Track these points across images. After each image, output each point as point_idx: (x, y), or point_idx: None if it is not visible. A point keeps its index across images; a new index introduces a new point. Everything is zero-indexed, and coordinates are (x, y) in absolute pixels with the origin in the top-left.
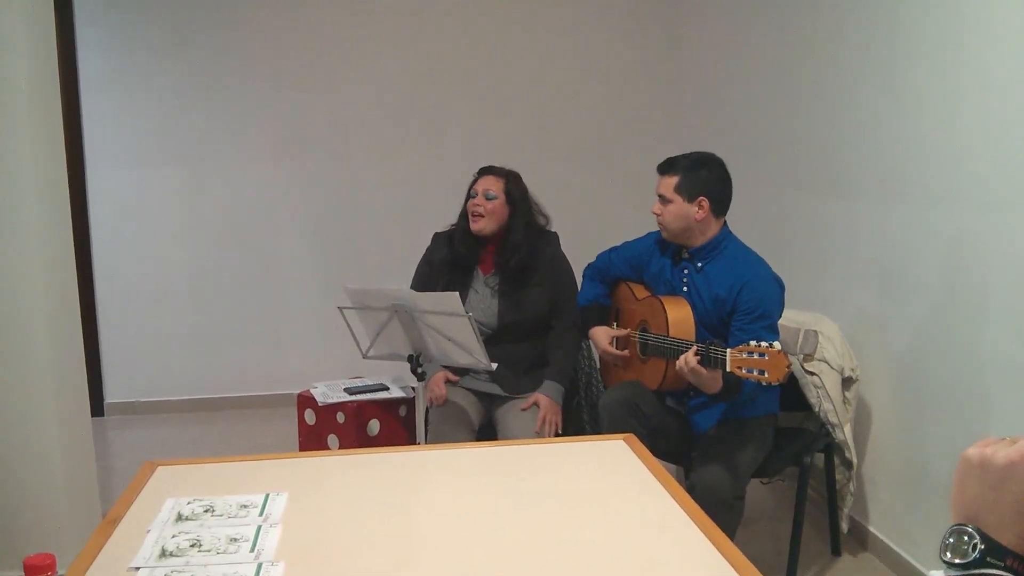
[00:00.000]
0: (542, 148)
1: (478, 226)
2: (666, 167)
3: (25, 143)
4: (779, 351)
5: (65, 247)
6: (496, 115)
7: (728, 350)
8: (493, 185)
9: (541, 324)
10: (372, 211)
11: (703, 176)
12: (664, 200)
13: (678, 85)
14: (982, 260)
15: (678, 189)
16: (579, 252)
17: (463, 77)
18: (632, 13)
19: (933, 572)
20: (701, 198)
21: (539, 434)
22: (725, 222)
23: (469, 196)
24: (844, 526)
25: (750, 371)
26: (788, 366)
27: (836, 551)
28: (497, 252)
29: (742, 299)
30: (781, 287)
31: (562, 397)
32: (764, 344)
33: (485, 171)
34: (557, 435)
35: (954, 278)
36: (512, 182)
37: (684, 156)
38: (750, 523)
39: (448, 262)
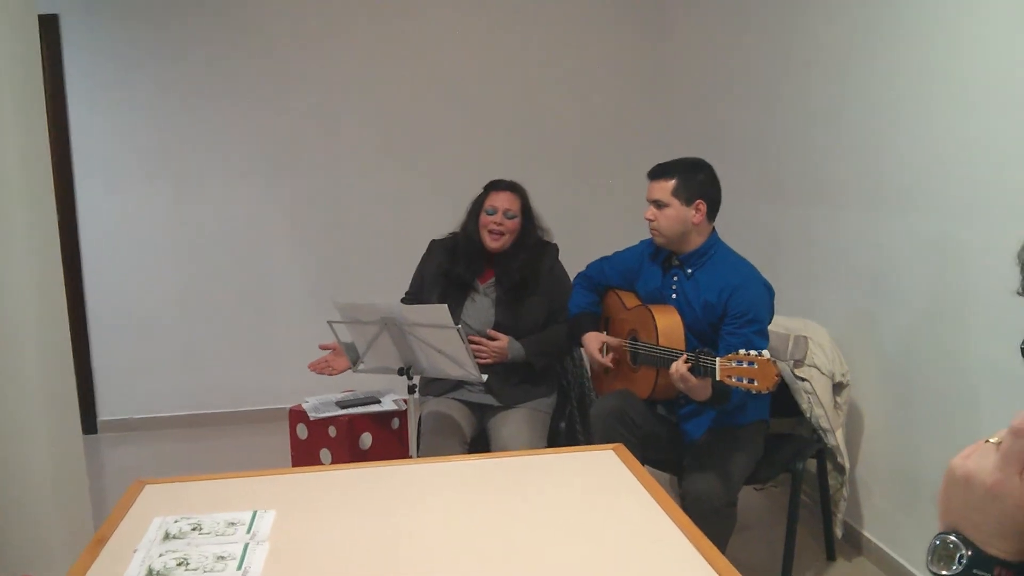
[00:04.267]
0: (531, 158)
1: (498, 244)
2: (660, 172)
3: (11, 157)
4: (768, 359)
5: (52, 262)
6: (485, 127)
7: (717, 359)
8: (512, 204)
9: (535, 333)
10: (362, 226)
11: (699, 180)
12: (660, 204)
13: (665, 95)
14: (968, 265)
15: (675, 193)
16: (567, 262)
17: (453, 90)
18: (619, 23)
19: None
20: (699, 201)
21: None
22: (714, 228)
23: (484, 211)
24: (838, 531)
25: (739, 379)
26: (777, 375)
27: (831, 556)
28: (501, 265)
29: (732, 303)
30: (771, 292)
31: (517, 357)
32: (753, 352)
33: (500, 186)
34: (483, 366)
35: (941, 283)
36: (525, 198)
37: (677, 161)
38: (744, 530)
39: (443, 274)
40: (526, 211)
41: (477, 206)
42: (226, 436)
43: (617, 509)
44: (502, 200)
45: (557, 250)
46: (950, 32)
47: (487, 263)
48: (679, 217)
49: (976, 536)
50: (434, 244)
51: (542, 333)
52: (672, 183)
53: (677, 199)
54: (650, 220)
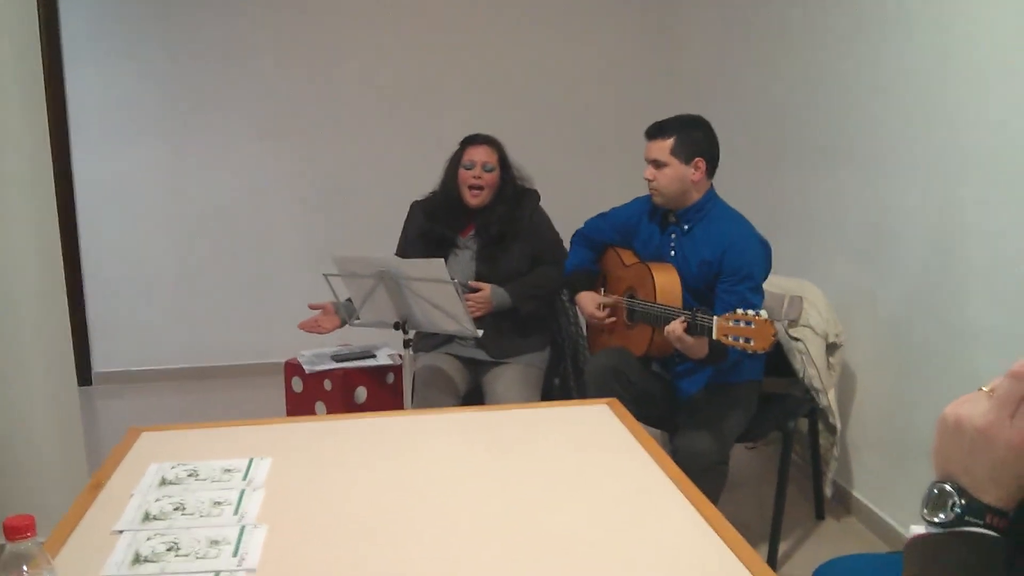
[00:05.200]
0: (531, 117)
1: (479, 199)
2: (657, 131)
3: (9, 119)
4: (765, 319)
5: (48, 217)
6: (484, 89)
7: (715, 318)
8: (490, 157)
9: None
10: (359, 184)
11: (698, 137)
12: (659, 164)
13: (665, 55)
14: (965, 229)
15: (675, 152)
16: (567, 219)
17: (452, 53)
18: None
19: (913, 526)
20: (697, 159)
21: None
22: (711, 184)
23: (462, 167)
24: (828, 490)
25: (736, 339)
26: (774, 335)
27: (820, 515)
28: (481, 219)
29: (727, 261)
30: (767, 248)
31: (503, 304)
32: (751, 312)
33: (476, 140)
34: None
35: (938, 246)
36: (502, 150)
37: (673, 119)
38: (734, 488)
39: (423, 234)
40: (503, 163)
41: (454, 162)
42: (221, 389)
43: (610, 463)
44: (479, 154)
45: (538, 196)
46: (956, 2)
47: (467, 218)
48: (678, 176)
49: (969, 482)
50: (415, 205)
51: (527, 276)
52: (670, 142)
53: (676, 158)
54: (649, 180)
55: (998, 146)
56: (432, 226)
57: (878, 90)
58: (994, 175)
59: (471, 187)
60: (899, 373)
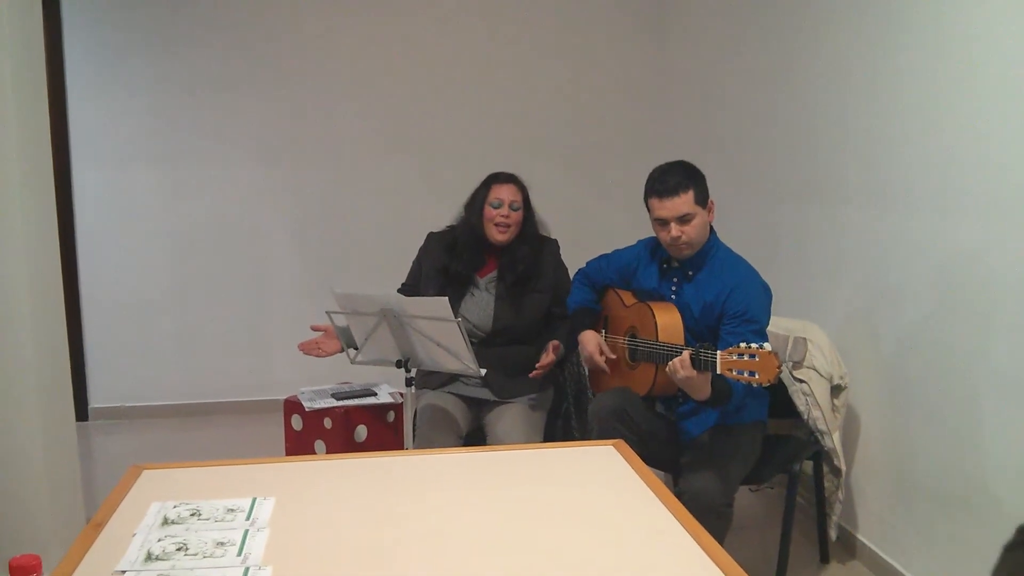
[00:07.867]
0: (531, 153)
1: (505, 237)
2: (677, 186)
3: (11, 146)
4: (769, 351)
5: (50, 250)
6: (485, 120)
7: (718, 352)
8: (516, 196)
9: (535, 329)
10: (360, 215)
11: (701, 178)
12: (687, 218)
13: (665, 92)
14: (968, 267)
15: (697, 201)
16: (568, 258)
17: (453, 82)
18: (619, 18)
19: None
20: (710, 201)
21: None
22: (711, 227)
23: (488, 204)
24: (832, 533)
25: (740, 372)
26: (778, 367)
27: (825, 559)
28: (503, 258)
29: (730, 304)
30: (768, 294)
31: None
32: (754, 345)
33: (502, 179)
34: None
35: (941, 285)
36: (526, 190)
37: (676, 170)
38: (739, 530)
39: (442, 269)
40: (527, 203)
41: (480, 199)
42: (219, 426)
43: (617, 504)
44: (507, 192)
45: (558, 245)
46: (954, 30)
47: (488, 255)
48: (703, 223)
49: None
50: (432, 237)
51: (567, 326)
52: (692, 193)
53: (699, 206)
54: (677, 237)
55: (999, 184)
56: (452, 262)
57: (876, 128)
58: (994, 213)
59: (498, 224)
60: (903, 415)
